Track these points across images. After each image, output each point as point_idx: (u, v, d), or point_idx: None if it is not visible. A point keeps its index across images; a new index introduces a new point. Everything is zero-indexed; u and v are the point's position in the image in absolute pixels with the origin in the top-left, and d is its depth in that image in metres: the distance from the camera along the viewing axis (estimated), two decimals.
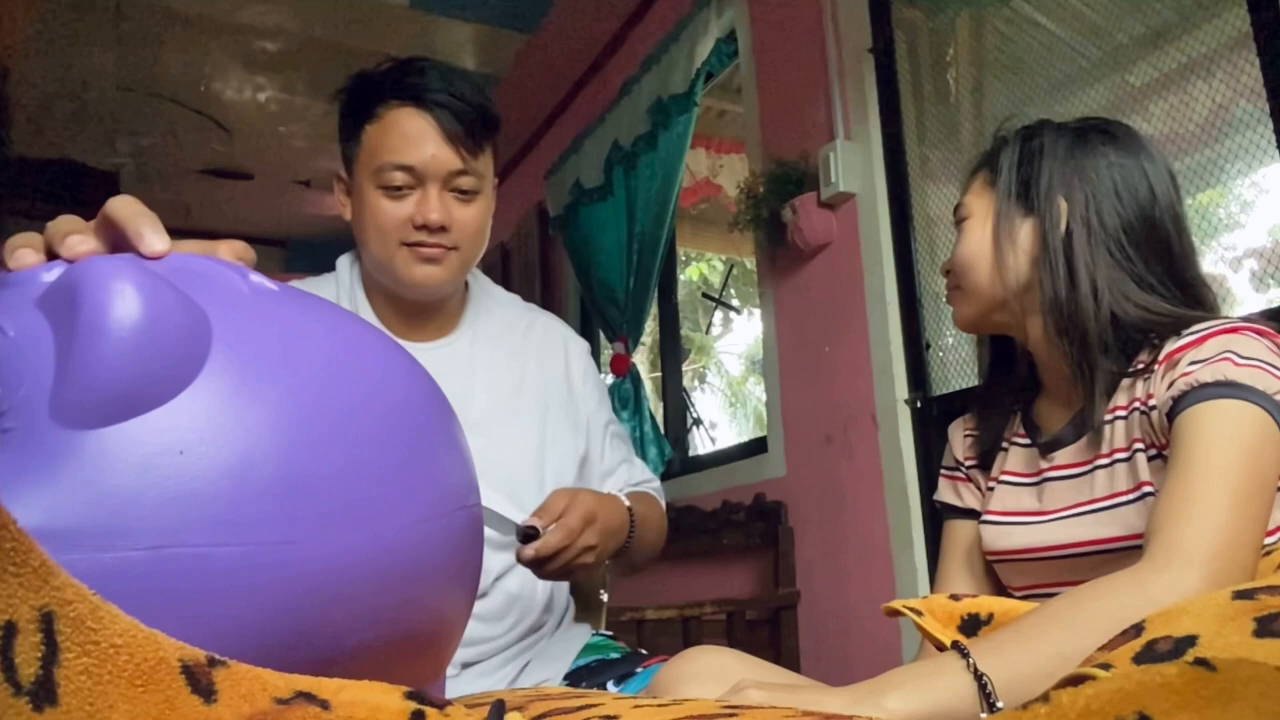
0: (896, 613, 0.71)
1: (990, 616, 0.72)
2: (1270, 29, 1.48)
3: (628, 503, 1.09)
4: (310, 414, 0.44)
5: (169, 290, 0.41)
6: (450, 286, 1.12)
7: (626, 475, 1.25)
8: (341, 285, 1.17)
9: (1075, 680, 0.40)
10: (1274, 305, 1.54)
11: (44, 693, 0.30)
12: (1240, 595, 0.48)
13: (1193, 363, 0.79)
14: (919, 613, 0.70)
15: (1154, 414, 0.82)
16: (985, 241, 0.93)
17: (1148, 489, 0.83)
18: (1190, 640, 0.44)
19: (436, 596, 0.51)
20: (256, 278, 0.49)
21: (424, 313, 1.15)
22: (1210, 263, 1.78)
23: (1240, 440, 0.73)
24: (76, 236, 0.45)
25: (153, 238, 0.45)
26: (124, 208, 0.46)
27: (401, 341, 1.12)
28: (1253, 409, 0.74)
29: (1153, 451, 0.83)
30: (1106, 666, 0.45)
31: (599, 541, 0.98)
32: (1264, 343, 0.79)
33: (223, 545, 0.39)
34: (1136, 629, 0.49)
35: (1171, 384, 0.80)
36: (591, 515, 0.98)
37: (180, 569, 0.38)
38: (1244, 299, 2.18)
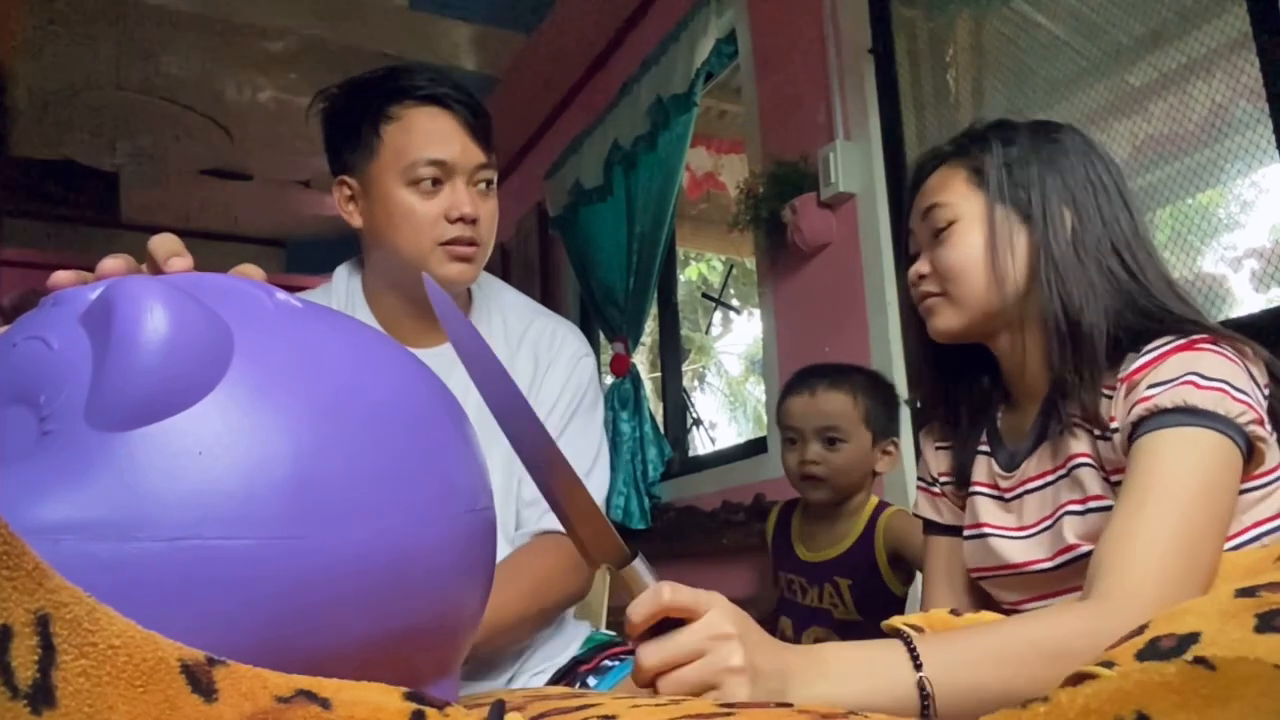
0: (897, 630, 0.68)
1: None
2: (1270, 29, 1.48)
3: None
4: (321, 419, 0.48)
5: (194, 306, 0.46)
6: (473, 283, 1.15)
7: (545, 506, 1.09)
8: (336, 295, 1.17)
9: (1076, 679, 0.40)
10: (1274, 305, 1.54)
11: (42, 695, 0.30)
12: (1242, 592, 0.48)
13: (1151, 385, 0.76)
14: (919, 629, 0.68)
15: (1116, 436, 0.80)
16: (979, 248, 0.88)
17: (1094, 503, 0.82)
18: (1193, 637, 0.44)
19: (442, 594, 0.53)
20: (282, 296, 0.54)
21: (430, 317, 1.13)
22: (1210, 263, 1.78)
23: (1200, 474, 0.71)
24: (176, 258, 0.55)
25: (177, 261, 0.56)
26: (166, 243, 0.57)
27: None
28: (1213, 436, 0.72)
29: (1116, 477, 0.81)
30: (1110, 665, 0.44)
31: None
32: (1225, 360, 0.76)
33: (235, 539, 0.43)
34: (1139, 628, 0.49)
35: (1131, 408, 0.77)
36: None
37: (196, 560, 0.42)
38: (1244, 299, 2.18)
